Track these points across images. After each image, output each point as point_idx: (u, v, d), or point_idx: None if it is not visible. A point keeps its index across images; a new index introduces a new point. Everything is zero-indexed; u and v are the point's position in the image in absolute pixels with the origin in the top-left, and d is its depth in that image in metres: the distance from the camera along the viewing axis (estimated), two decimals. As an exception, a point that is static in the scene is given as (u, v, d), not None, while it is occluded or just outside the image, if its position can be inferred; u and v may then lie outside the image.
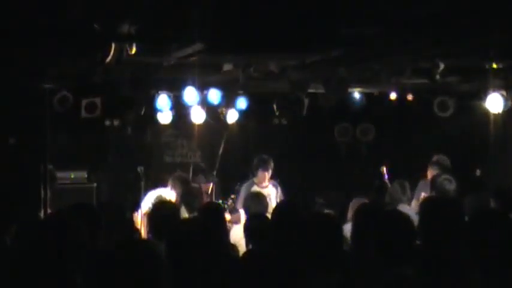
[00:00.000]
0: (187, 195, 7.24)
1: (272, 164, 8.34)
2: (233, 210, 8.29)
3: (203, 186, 8.82)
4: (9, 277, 3.08)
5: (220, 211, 5.66)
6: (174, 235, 3.69)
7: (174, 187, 8.03)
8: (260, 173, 8.31)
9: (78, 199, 7.81)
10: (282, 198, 8.35)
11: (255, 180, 8.36)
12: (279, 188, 8.50)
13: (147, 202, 7.94)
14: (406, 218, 3.94)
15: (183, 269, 3.49)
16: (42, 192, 7.21)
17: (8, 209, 4.37)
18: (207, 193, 8.79)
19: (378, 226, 3.91)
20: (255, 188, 8.19)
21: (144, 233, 7.69)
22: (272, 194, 8.26)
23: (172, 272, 3.31)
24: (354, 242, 4.39)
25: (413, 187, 7.99)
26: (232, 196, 8.67)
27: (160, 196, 7.97)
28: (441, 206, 4.23)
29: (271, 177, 8.46)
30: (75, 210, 4.52)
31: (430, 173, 8.12)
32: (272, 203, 7.55)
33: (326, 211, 8.21)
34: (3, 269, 3.19)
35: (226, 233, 5.57)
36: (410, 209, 6.80)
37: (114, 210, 5.13)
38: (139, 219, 7.94)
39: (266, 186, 8.24)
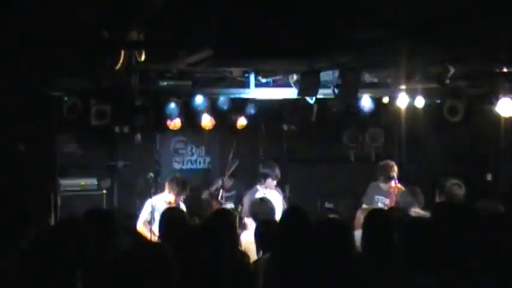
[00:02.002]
0: (196, 206, 7.24)
1: (278, 171, 8.40)
2: (243, 217, 8.29)
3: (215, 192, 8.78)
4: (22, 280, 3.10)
5: (231, 217, 5.66)
6: (185, 240, 3.69)
7: (171, 189, 8.04)
8: (270, 181, 8.38)
9: (88, 206, 7.85)
10: (284, 204, 8.37)
11: (259, 187, 8.40)
12: (281, 193, 8.54)
13: (146, 210, 7.95)
14: (417, 222, 3.93)
15: (192, 275, 3.48)
16: (52, 198, 7.23)
17: (20, 215, 4.37)
18: (217, 198, 8.80)
19: (389, 231, 3.89)
20: (260, 194, 8.23)
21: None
22: (278, 199, 8.28)
23: (181, 278, 3.31)
24: (365, 248, 4.37)
25: (424, 191, 7.98)
26: (242, 202, 8.67)
27: (159, 201, 7.94)
28: (454, 211, 4.22)
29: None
30: (87, 216, 4.54)
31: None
32: (279, 207, 7.55)
33: (333, 216, 8.24)
34: (20, 271, 3.21)
35: (236, 239, 5.56)
36: (423, 213, 6.76)
37: (123, 217, 5.14)
38: (141, 227, 7.93)
39: (270, 192, 8.27)
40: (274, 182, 8.43)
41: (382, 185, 8.38)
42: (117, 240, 4.20)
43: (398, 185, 8.12)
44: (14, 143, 6.91)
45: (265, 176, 8.40)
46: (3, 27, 5.44)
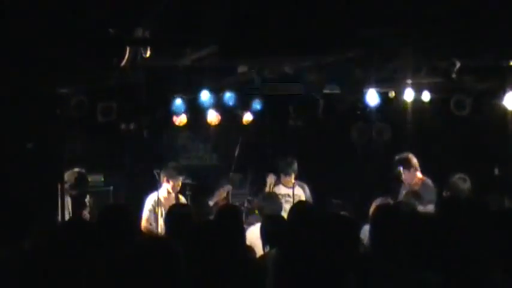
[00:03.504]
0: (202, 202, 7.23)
1: (295, 166, 8.38)
2: (249, 212, 8.31)
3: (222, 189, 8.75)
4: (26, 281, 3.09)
5: (237, 213, 5.66)
6: (192, 236, 3.69)
7: (169, 177, 7.99)
8: (283, 178, 8.45)
9: (94, 202, 7.86)
10: (309, 197, 8.40)
11: (282, 180, 8.45)
12: (306, 188, 8.54)
13: (146, 208, 7.92)
14: (426, 218, 3.92)
15: (200, 271, 3.48)
16: (60, 197, 7.23)
17: (26, 214, 4.38)
18: (223, 196, 8.78)
19: (397, 227, 3.88)
20: (281, 189, 8.28)
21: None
22: (299, 195, 8.31)
23: (189, 273, 3.31)
24: (373, 243, 4.36)
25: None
26: (249, 198, 8.67)
27: (161, 195, 7.92)
28: (459, 206, 4.20)
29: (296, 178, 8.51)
30: (100, 214, 4.52)
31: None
32: None
33: (340, 212, 8.22)
34: (21, 273, 3.21)
35: (243, 234, 5.57)
36: (431, 209, 6.74)
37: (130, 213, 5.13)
38: (144, 226, 7.89)
39: (293, 187, 8.29)
40: (290, 178, 8.40)
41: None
42: (127, 238, 4.20)
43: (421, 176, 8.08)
44: (21, 141, 6.92)
45: (281, 171, 8.47)
46: (7, 25, 5.45)
